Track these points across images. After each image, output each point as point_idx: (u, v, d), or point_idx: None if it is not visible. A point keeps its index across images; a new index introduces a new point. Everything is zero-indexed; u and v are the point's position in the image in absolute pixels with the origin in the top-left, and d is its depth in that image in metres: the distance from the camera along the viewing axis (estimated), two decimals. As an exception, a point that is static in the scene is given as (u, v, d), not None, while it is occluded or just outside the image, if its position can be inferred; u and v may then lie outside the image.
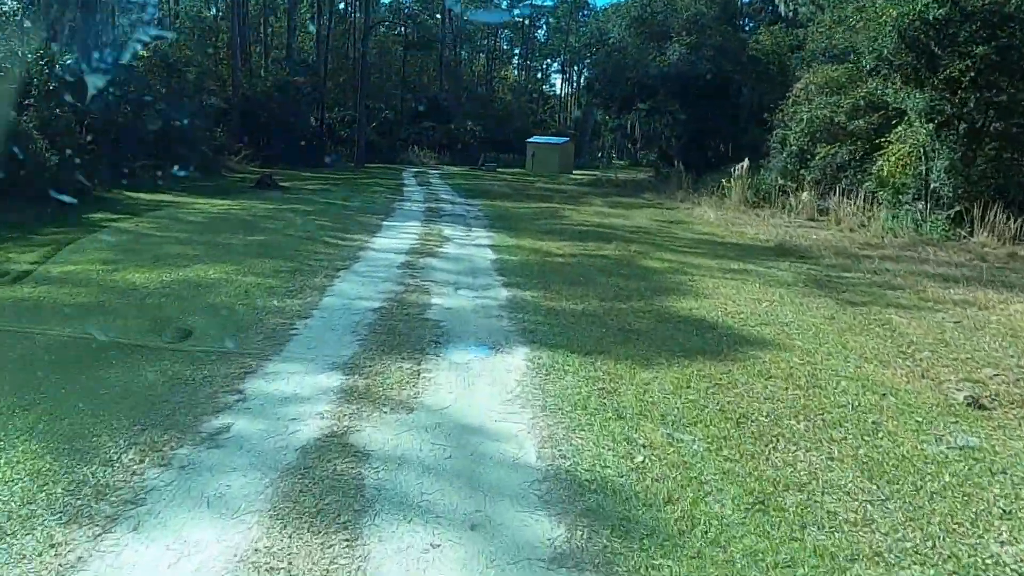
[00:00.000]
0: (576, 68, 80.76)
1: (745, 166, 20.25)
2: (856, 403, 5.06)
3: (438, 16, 62.23)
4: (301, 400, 4.79)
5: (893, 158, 15.67)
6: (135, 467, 3.78)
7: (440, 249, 11.35)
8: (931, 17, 13.42)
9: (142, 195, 17.79)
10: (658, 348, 6.24)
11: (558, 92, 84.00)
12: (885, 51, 14.52)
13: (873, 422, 4.72)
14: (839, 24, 25.79)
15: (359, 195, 20.78)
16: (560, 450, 4.16)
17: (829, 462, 4.12)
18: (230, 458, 3.92)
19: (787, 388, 5.32)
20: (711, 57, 24.77)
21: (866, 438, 4.46)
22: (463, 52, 68.78)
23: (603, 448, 4.20)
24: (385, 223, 14.55)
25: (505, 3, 70.96)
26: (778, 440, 4.40)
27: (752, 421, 4.69)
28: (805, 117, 19.64)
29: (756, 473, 3.96)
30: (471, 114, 54.36)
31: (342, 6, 53.58)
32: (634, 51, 28.50)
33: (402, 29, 57.49)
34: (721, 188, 21.48)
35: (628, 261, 10.91)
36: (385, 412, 4.62)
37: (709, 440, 4.36)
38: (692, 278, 9.65)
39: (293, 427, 4.33)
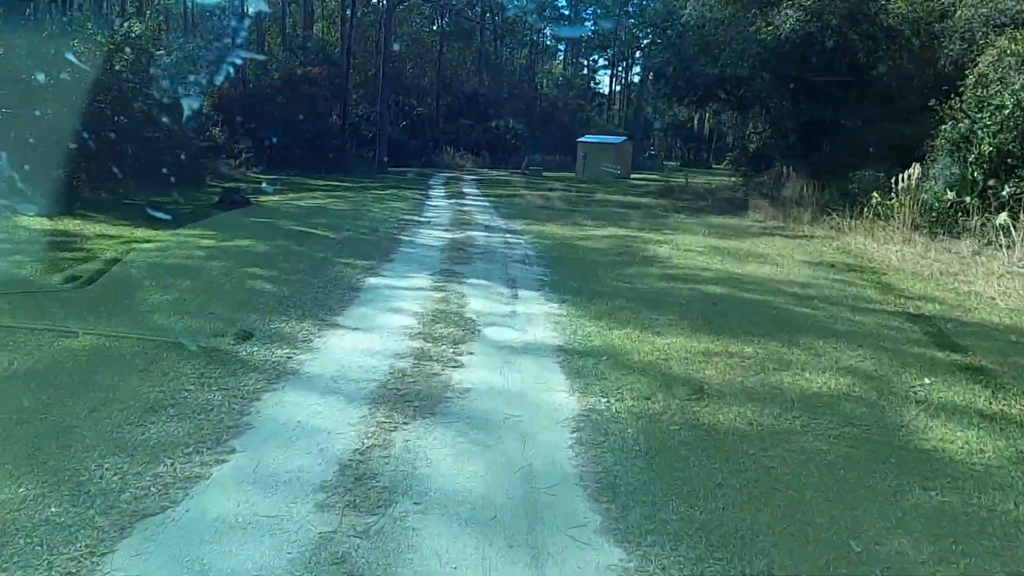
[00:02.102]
0: (626, 62, 74.21)
1: (916, 174, 13.65)
2: None
3: (478, 9, 56.06)
4: None
5: None
6: None
7: (451, 375, 5.10)
8: None
9: (43, 223, 12.01)
10: None
11: (604, 90, 77.44)
12: None
13: None
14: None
15: (360, 216, 14.69)
16: None
17: None
18: None
19: None
20: (836, 27, 18.12)
21: None
22: (504, 49, 62.63)
23: None
24: (372, 280, 8.37)
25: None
26: None
27: None
28: (1010, 103, 13.00)
29: None
30: (513, 111, 48.10)
31: (373, -5, 47.78)
32: (715, 27, 21.95)
33: (438, 19, 51.54)
34: (863, 204, 14.97)
35: (888, 432, 4.51)
36: None
37: None
38: None
39: None
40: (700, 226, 14.76)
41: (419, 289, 7.95)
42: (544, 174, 35.03)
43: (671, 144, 79.47)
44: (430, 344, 5.80)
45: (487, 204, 18.94)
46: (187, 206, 15.13)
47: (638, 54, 72.11)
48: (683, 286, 8.55)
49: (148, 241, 10.34)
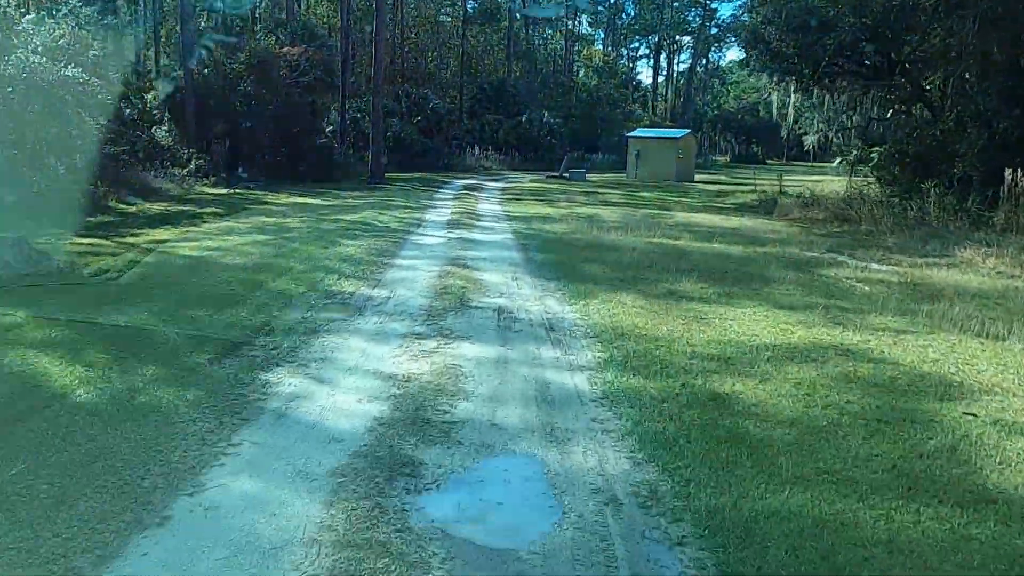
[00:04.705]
0: (670, 49, 66.00)
1: None
2: None
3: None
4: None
5: None
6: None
7: None
8: None
9: None
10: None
11: (645, 81, 69.25)
12: None
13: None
14: None
15: (254, 290, 7.28)
16: None
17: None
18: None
19: None
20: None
21: None
22: (536, 34, 54.96)
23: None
24: None
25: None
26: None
27: None
28: None
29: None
30: (547, 104, 40.52)
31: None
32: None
33: (461, -1, 44.05)
34: None
35: None
36: None
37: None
38: None
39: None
40: (939, 297, 7.05)
41: None
42: (588, 177, 27.44)
43: (714, 138, 70.73)
44: None
45: (509, 240, 11.44)
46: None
47: (687, 39, 63.89)
48: None
49: None
